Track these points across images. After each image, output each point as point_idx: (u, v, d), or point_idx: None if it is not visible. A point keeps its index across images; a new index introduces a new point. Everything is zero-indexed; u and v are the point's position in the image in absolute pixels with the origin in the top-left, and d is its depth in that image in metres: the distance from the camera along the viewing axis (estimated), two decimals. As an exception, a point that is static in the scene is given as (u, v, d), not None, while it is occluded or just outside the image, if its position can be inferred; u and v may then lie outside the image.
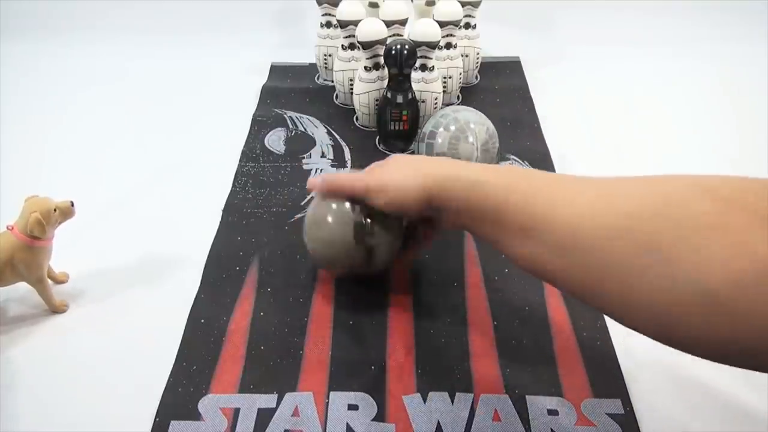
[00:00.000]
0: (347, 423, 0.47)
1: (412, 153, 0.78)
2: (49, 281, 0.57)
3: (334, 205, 0.53)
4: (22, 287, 0.56)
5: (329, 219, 0.53)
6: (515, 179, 0.41)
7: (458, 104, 0.70)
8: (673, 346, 0.33)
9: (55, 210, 0.53)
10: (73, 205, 0.55)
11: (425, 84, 0.78)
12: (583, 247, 0.34)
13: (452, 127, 0.66)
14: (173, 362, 0.52)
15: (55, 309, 0.57)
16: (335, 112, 0.87)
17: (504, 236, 0.41)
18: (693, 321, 0.30)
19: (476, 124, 0.67)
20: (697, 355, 0.32)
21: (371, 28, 0.74)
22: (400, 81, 0.72)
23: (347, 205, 0.53)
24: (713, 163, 0.77)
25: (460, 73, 0.86)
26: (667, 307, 0.31)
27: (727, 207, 0.30)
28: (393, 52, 0.70)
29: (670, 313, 0.31)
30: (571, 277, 0.36)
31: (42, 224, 0.52)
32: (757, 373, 0.50)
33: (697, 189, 0.32)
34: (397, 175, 0.48)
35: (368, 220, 0.53)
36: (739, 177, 0.32)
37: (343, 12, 0.79)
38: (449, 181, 0.44)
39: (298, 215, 0.68)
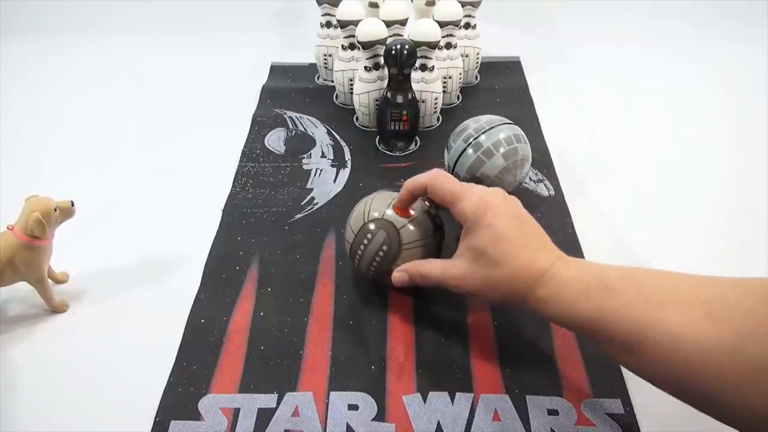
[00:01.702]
0: (347, 423, 0.47)
1: (410, 150, 0.78)
2: (49, 281, 0.57)
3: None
4: (23, 287, 0.56)
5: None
6: (616, 298, 0.40)
7: (497, 120, 0.65)
8: None
9: (55, 210, 0.53)
10: (73, 204, 0.55)
11: (425, 84, 0.78)
12: (692, 369, 0.35)
13: (506, 162, 0.62)
14: (173, 362, 0.52)
15: (56, 309, 0.57)
16: (335, 112, 0.87)
17: (604, 346, 0.42)
18: None
19: (529, 165, 0.65)
20: None
21: (371, 28, 0.74)
22: (400, 81, 0.72)
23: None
24: (713, 163, 0.77)
25: (460, 73, 0.86)
26: None
27: None
28: (393, 52, 0.70)
29: None
30: (680, 391, 0.37)
31: (42, 224, 0.52)
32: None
33: None
34: (481, 283, 0.47)
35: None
36: None
37: (343, 12, 0.79)
38: (543, 303, 0.44)
39: (298, 215, 0.68)
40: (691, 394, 0.36)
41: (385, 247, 0.54)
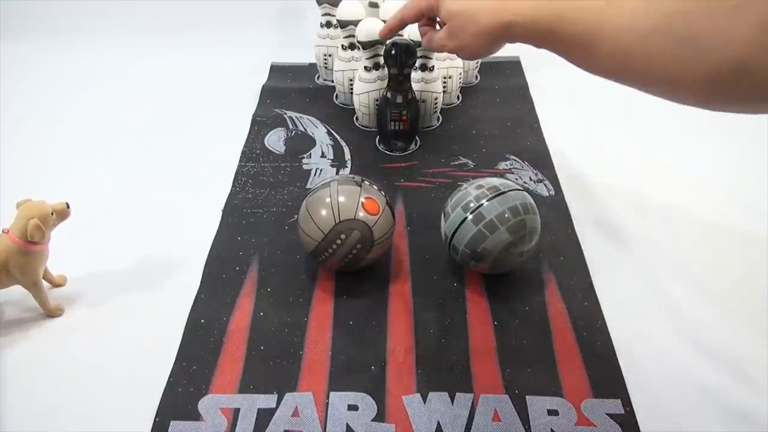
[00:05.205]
0: (347, 423, 0.47)
1: (410, 150, 0.78)
2: (46, 284, 0.57)
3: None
4: (19, 290, 0.55)
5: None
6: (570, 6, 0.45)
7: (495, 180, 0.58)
8: (709, 107, 0.40)
9: (52, 213, 0.53)
10: (68, 206, 0.54)
11: (425, 84, 0.78)
12: (632, 52, 0.41)
13: (512, 236, 0.54)
14: (173, 362, 0.52)
15: (50, 313, 0.57)
16: (335, 112, 0.87)
17: (568, 54, 0.48)
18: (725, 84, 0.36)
19: (537, 237, 0.57)
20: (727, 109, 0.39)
21: (371, 28, 0.74)
22: (400, 81, 0.72)
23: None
24: (712, 161, 0.77)
25: (460, 73, 0.86)
26: (704, 80, 0.37)
27: None
28: (393, 52, 0.70)
29: (706, 86, 0.37)
30: (626, 77, 0.44)
31: (42, 229, 0.51)
32: (756, 373, 0.51)
33: None
34: (458, 25, 0.51)
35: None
36: None
37: (343, 12, 0.79)
38: (517, 16, 0.49)
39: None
40: (633, 76, 0.43)
41: (359, 246, 0.55)
